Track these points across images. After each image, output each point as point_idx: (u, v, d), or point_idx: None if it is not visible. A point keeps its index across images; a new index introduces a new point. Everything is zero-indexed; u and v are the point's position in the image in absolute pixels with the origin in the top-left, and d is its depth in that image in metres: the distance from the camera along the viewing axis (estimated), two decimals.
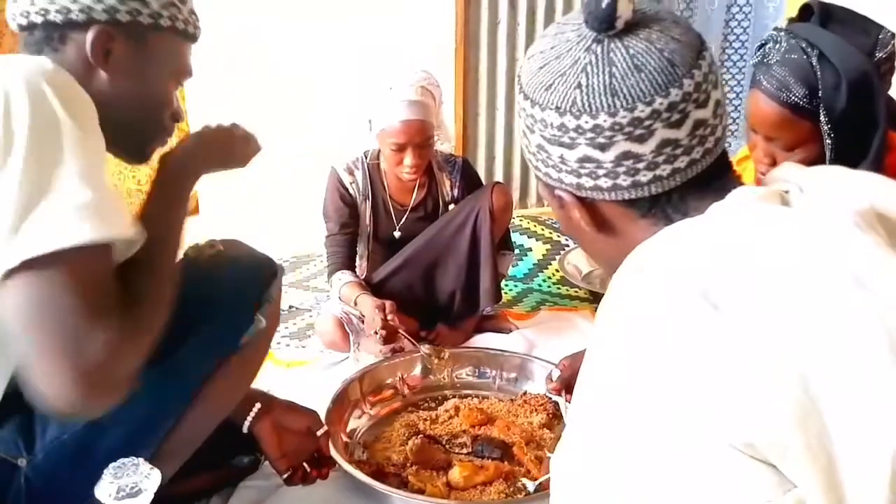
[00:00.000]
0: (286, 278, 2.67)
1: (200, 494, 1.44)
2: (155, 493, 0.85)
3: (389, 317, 1.95)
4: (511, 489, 1.52)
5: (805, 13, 1.34)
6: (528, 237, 3.06)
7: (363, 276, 2.19)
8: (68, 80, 0.94)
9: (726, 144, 0.81)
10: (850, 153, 1.26)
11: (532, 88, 0.78)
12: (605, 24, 0.72)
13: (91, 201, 0.85)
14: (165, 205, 1.08)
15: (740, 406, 0.57)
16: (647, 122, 0.72)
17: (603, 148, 0.74)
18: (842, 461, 0.56)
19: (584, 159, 0.75)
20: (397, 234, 2.20)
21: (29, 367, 0.83)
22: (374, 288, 2.12)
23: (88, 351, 0.83)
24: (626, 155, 0.74)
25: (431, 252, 2.16)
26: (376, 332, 1.96)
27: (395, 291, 2.13)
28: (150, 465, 0.85)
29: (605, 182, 0.76)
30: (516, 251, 2.54)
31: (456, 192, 2.22)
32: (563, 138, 0.76)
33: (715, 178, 0.77)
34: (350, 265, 2.17)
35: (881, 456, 0.54)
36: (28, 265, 0.82)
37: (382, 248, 2.22)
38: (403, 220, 2.20)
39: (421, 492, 1.46)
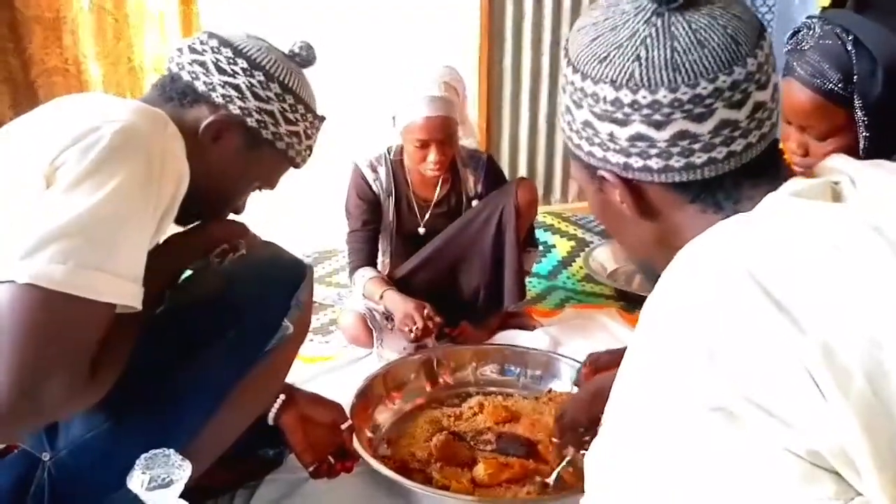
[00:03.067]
0: None
1: (226, 487, 1.44)
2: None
3: (428, 321, 1.96)
4: (535, 488, 1.50)
5: (839, 1, 1.32)
6: (553, 234, 3.04)
7: (386, 273, 2.19)
8: (178, 147, 1.00)
9: None
10: (885, 142, 1.23)
11: (583, 61, 0.74)
12: None
13: (121, 267, 0.91)
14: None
15: (801, 411, 0.55)
16: (708, 101, 0.69)
17: (659, 126, 0.71)
18: None
19: (637, 137, 0.72)
20: (421, 230, 2.20)
21: None
22: (397, 284, 2.11)
23: (41, 391, 0.88)
24: (682, 134, 0.70)
25: (455, 248, 2.15)
26: (410, 331, 1.96)
27: (419, 288, 2.12)
28: (181, 457, 0.84)
29: (656, 162, 0.72)
30: (540, 248, 2.53)
31: (480, 188, 2.20)
32: (617, 114, 0.72)
33: (768, 167, 0.74)
34: (372, 261, 2.17)
35: None
36: (36, 287, 0.86)
37: (406, 245, 2.21)
38: (427, 215, 2.20)
39: (446, 488, 1.45)
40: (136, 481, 0.81)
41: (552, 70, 3.26)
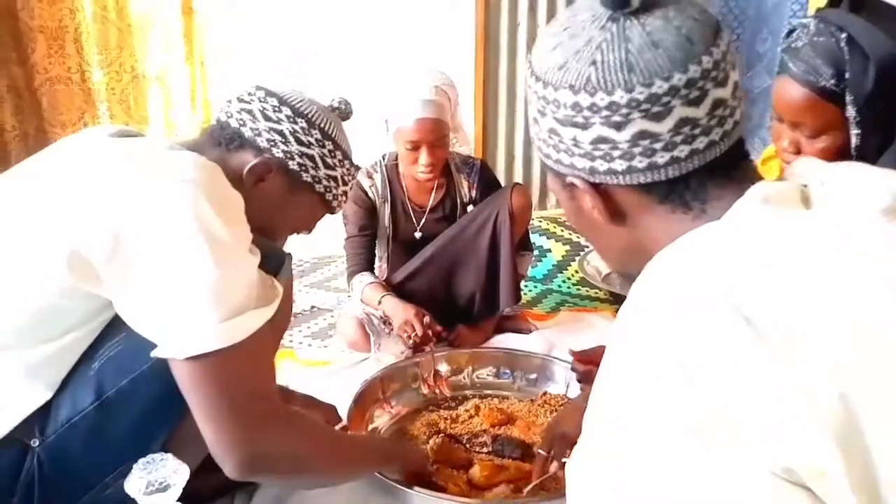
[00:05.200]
0: (308, 279, 2.70)
1: (225, 490, 1.46)
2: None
3: (427, 329, 1.98)
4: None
5: (834, 2, 1.34)
6: (548, 238, 3.06)
7: (383, 278, 2.21)
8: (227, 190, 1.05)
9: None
10: (876, 139, 1.25)
11: (544, 69, 0.75)
12: (620, 2, 0.70)
13: (253, 298, 1.01)
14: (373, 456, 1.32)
15: (777, 430, 0.55)
16: (664, 99, 0.70)
17: (618, 127, 0.71)
18: (886, 487, 0.53)
19: (599, 140, 0.72)
20: (418, 234, 2.22)
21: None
22: (394, 289, 2.13)
23: (262, 439, 1.01)
24: (642, 134, 0.71)
25: (451, 253, 2.17)
26: (409, 338, 1.99)
27: (415, 292, 2.14)
28: (179, 461, 0.87)
29: (619, 164, 0.73)
30: (536, 252, 2.55)
31: (474, 193, 2.23)
32: (577, 118, 0.73)
33: (734, 168, 0.74)
34: (370, 267, 2.19)
35: None
36: (199, 358, 0.95)
37: (402, 250, 2.24)
38: (423, 221, 2.22)
39: (442, 490, 1.47)
40: (134, 486, 0.83)
41: None
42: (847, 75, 1.23)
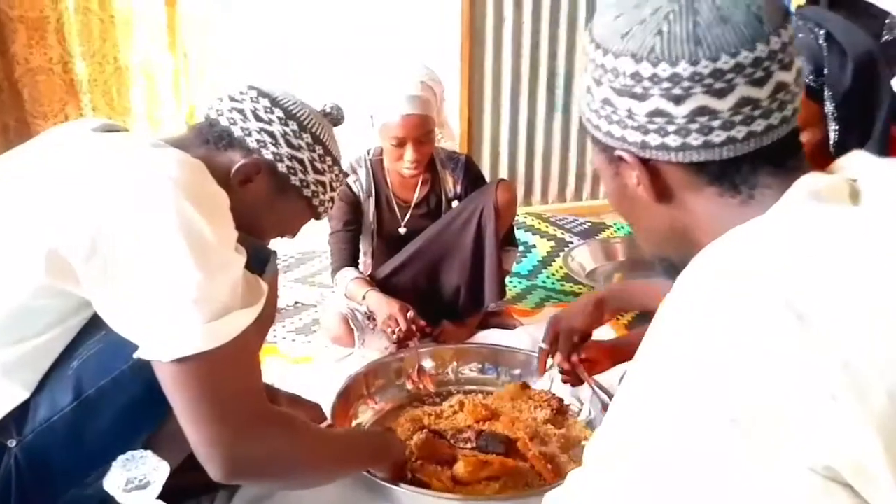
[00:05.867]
0: (293, 274, 2.69)
1: (207, 488, 1.45)
2: (165, 483, 0.87)
3: (411, 324, 1.98)
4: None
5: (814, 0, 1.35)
6: (533, 234, 3.07)
7: (368, 273, 2.21)
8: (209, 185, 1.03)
9: None
10: (855, 135, 1.27)
11: (605, 36, 0.73)
12: None
13: (239, 298, 0.99)
14: (359, 455, 1.31)
15: (823, 425, 0.54)
16: (728, 76, 0.68)
17: (678, 100, 0.69)
18: None
19: (655, 112, 0.71)
20: (402, 230, 2.21)
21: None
22: (378, 284, 2.13)
23: (248, 440, 1.00)
24: (701, 110, 0.69)
25: (436, 248, 2.17)
26: (393, 332, 1.98)
27: (400, 288, 2.14)
28: (159, 458, 0.86)
29: (674, 140, 0.71)
30: (521, 248, 2.55)
31: (459, 188, 2.23)
32: (636, 88, 0.71)
33: (788, 157, 0.73)
34: (354, 262, 2.19)
35: None
36: (186, 360, 0.94)
37: (387, 245, 2.23)
38: (408, 216, 2.21)
39: (426, 486, 1.47)
40: (113, 483, 0.82)
41: (532, 73, 3.29)
42: (825, 71, 1.25)
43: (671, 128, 0.71)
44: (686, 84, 0.69)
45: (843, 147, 1.27)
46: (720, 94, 0.69)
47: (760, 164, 0.72)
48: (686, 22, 0.68)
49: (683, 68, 0.68)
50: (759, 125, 0.70)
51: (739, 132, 0.70)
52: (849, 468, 0.54)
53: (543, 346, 1.48)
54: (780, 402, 0.56)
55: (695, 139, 0.70)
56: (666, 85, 0.69)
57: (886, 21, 1.30)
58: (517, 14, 3.20)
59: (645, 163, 0.74)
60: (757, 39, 0.68)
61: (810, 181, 0.69)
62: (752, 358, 0.57)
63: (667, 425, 0.61)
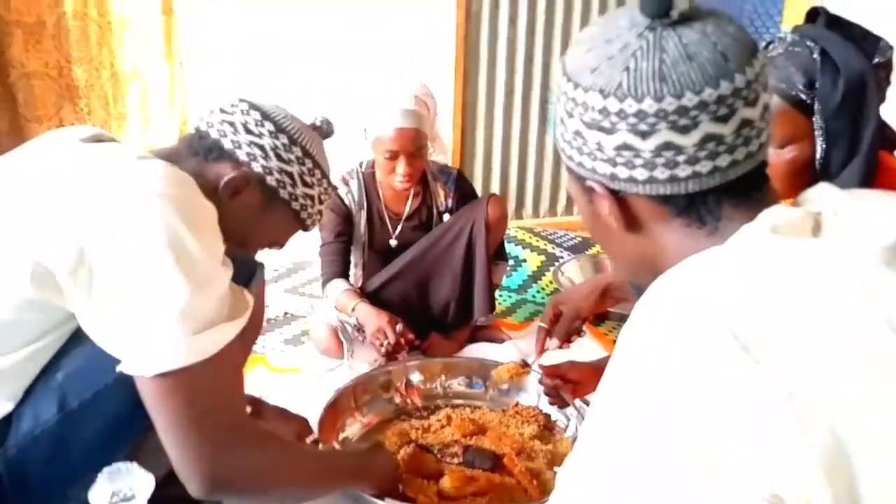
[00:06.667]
0: (283, 284, 2.69)
1: (193, 500, 1.45)
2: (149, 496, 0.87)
3: (400, 337, 1.98)
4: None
5: (810, 19, 1.37)
6: (524, 248, 3.08)
7: (358, 285, 2.21)
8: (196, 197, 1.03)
9: None
10: (840, 153, 1.29)
11: (576, 71, 0.74)
12: (660, 12, 0.70)
13: (224, 311, 0.99)
14: (340, 474, 1.30)
15: (768, 456, 0.55)
16: (692, 113, 0.69)
17: (644, 135, 0.71)
18: None
19: (623, 147, 0.72)
20: (394, 242, 2.22)
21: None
22: (368, 297, 2.13)
23: (227, 457, 1.00)
24: (667, 145, 0.71)
25: (426, 262, 2.18)
26: (381, 345, 1.98)
27: (390, 300, 2.14)
28: (144, 470, 0.86)
29: (641, 173, 0.73)
30: (511, 262, 2.56)
31: (450, 202, 2.24)
32: (604, 122, 0.72)
33: (754, 189, 0.74)
34: (345, 273, 2.19)
35: None
36: (167, 375, 0.93)
37: (377, 257, 2.24)
38: (399, 229, 2.22)
39: (412, 500, 1.47)
40: (98, 496, 0.82)
41: (525, 87, 3.32)
42: (817, 85, 1.27)
43: (638, 161, 0.72)
44: (651, 120, 0.70)
45: (828, 164, 1.29)
46: (684, 130, 0.70)
47: (725, 197, 0.73)
48: (652, 59, 0.70)
49: (649, 105, 0.70)
50: (723, 160, 0.72)
51: (704, 167, 0.71)
52: (794, 497, 0.55)
53: (543, 325, 1.48)
54: (729, 431, 0.57)
55: (661, 173, 0.72)
56: (632, 120, 0.71)
57: (879, 45, 1.32)
58: (512, 29, 3.23)
59: (615, 194, 0.76)
60: (721, 77, 0.69)
61: (772, 214, 0.70)
62: (702, 387, 0.59)
63: (626, 450, 0.63)
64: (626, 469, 0.62)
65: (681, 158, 0.71)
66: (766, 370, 0.57)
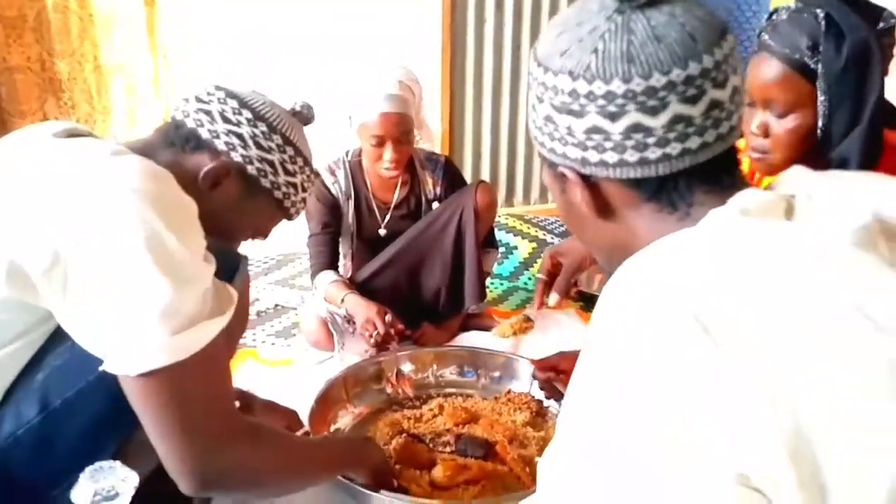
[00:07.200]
0: (273, 276, 2.68)
1: (180, 497, 1.44)
2: (137, 492, 0.85)
3: (389, 328, 1.98)
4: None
5: None
6: (515, 235, 3.08)
7: (347, 276, 2.20)
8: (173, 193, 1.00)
9: None
10: (842, 121, 1.29)
11: (546, 55, 0.75)
12: None
13: (207, 308, 0.97)
14: (331, 462, 1.28)
15: (734, 438, 0.56)
16: (661, 94, 0.70)
17: (613, 117, 0.71)
18: (834, 495, 0.54)
19: (593, 129, 0.72)
20: (382, 231, 2.21)
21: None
22: (358, 287, 2.13)
23: (217, 454, 0.98)
24: (636, 127, 0.71)
25: (416, 251, 2.17)
26: (370, 336, 1.98)
27: (380, 290, 2.14)
28: (128, 468, 0.85)
29: (611, 156, 0.73)
30: (502, 249, 2.55)
31: (439, 190, 2.23)
32: (573, 105, 0.73)
33: (725, 174, 0.74)
34: (334, 264, 2.18)
35: (876, 492, 0.53)
36: (151, 374, 0.92)
37: (366, 247, 2.23)
38: (387, 218, 2.21)
39: (405, 491, 1.47)
40: (81, 495, 0.81)
41: (513, 74, 3.30)
42: (821, 48, 1.27)
43: (608, 144, 0.73)
44: (620, 101, 0.71)
45: (830, 132, 1.29)
46: (653, 111, 0.70)
47: (696, 181, 0.73)
48: (621, 41, 0.70)
49: (617, 86, 0.70)
50: (693, 142, 0.72)
51: (674, 149, 0.71)
52: (761, 476, 0.56)
53: (541, 276, 1.46)
54: (696, 413, 0.57)
55: (631, 156, 0.72)
56: (601, 102, 0.71)
57: (884, 13, 1.33)
58: (498, 15, 3.21)
59: (586, 179, 0.76)
60: (689, 58, 0.70)
61: (743, 197, 0.70)
62: (668, 370, 0.59)
63: (596, 432, 0.63)
64: (595, 451, 0.63)
65: (650, 140, 0.71)
66: (729, 352, 0.57)
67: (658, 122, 0.71)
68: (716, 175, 0.74)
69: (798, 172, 0.77)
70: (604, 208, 0.77)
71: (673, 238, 0.68)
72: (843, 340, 0.57)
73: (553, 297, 1.46)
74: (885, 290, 0.59)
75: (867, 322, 0.57)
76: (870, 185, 0.75)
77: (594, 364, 0.66)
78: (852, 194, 0.71)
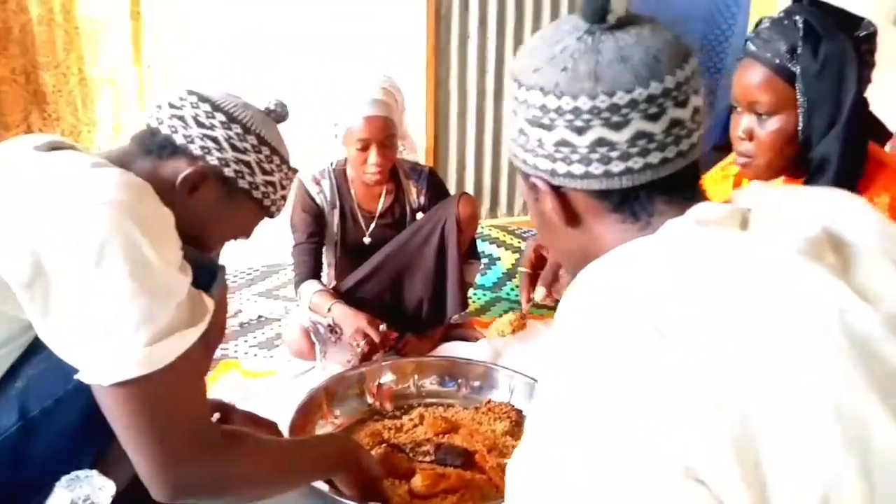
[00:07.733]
0: (257, 287, 2.68)
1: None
2: (114, 501, 0.86)
3: (384, 337, 2.00)
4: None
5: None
6: (498, 246, 3.09)
7: (331, 285, 2.21)
8: (151, 204, 1.01)
9: None
10: (821, 122, 1.33)
11: (521, 71, 0.79)
12: (597, 17, 0.75)
13: (185, 317, 0.98)
14: (315, 467, 1.29)
15: (682, 435, 0.58)
16: (624, 110, 0.74)
17: (580, 131, 0.75)
18: (773, 493, 0.57)
19: (561, 142, 0.76)
20: (367, 240, 2.22)
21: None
22: (342, 296, 2.14)
23: (189, 463, 0.99)
24: (600, 141, 0.75)
25: (399, 261, 2.18)
26: (361, 345, 1.99)
27: (364, 300, 2.15)
28: (105, 477, 0.86)
29: (578, 168, 0.77)
30: (485, 260, 2.57)
31: (423, 199, 2.25)
32: (544, 119, 0.77)
33: (686, 188, 0.78)
34: (317, 274, 2.19)
35: (811, 495, 0.56)
36: (125, 384, 0.93)
37: (351, 256, 2.24)
38: (372, 227, 2.23)
39: (384, 501, 1.47)
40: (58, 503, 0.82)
41: (497, 88, 3.33)
42: (799, 51, 1.32)
43: (575, 157, 0.76)
44: (586, 116, 0.75)
45: (809, 134, 1.34)
46: (617, 126, 0.74)
47: (657, 193, 0.77)
48: (589, 60, 0.74)
49: (583, 102, 0.74)
50: (654, 157, 0.75)
51: (636, 163, 0.75)
52: (707, 472, 0.58)
53: (525, 269, 1.47)
54: (648, 411, 0.60)
55: (596, 168, 0.76)
56: (569, 117, 0.75)
57: (863, 22, 1.37)
58: (482, 31, 3.24)
59: (556, 189, 0.80)
60: (652, 78, 0.73)
61: (700, 209, 0.74)
62: (622, 371, 0.62)
63: (552, 432, 0.66)
64: (555, 451, 0.66)
65: (614, 154, 0.75)
66: (681, 354, 0.60)
67: (621, 137, 0.74)
68: (677, 189, 0.77)
69: (758, 189, 0.82)
70: (572, 217, 0.81)
71: (630, 245, 0.72)
72: (791, 347, 0.60)
73: (539, 291, 1.47)
74: (830, 299, 0.62)
75: (814, 330, 0.60)
76: (824, 199, 0.78)
77: (555, 365, 0.69)
78: (805, 208, 0.75)
